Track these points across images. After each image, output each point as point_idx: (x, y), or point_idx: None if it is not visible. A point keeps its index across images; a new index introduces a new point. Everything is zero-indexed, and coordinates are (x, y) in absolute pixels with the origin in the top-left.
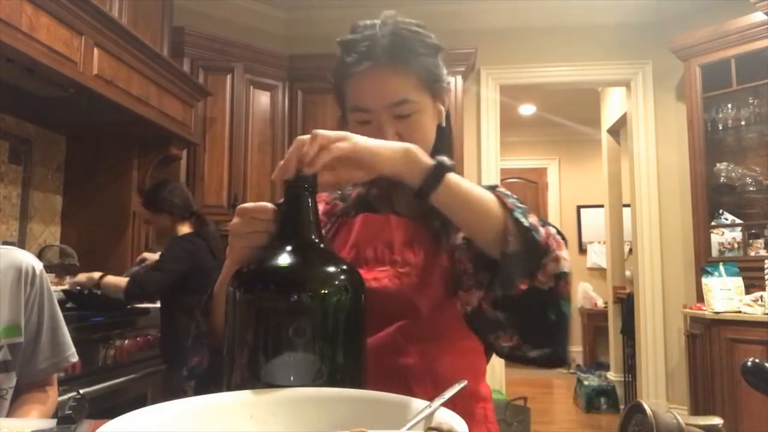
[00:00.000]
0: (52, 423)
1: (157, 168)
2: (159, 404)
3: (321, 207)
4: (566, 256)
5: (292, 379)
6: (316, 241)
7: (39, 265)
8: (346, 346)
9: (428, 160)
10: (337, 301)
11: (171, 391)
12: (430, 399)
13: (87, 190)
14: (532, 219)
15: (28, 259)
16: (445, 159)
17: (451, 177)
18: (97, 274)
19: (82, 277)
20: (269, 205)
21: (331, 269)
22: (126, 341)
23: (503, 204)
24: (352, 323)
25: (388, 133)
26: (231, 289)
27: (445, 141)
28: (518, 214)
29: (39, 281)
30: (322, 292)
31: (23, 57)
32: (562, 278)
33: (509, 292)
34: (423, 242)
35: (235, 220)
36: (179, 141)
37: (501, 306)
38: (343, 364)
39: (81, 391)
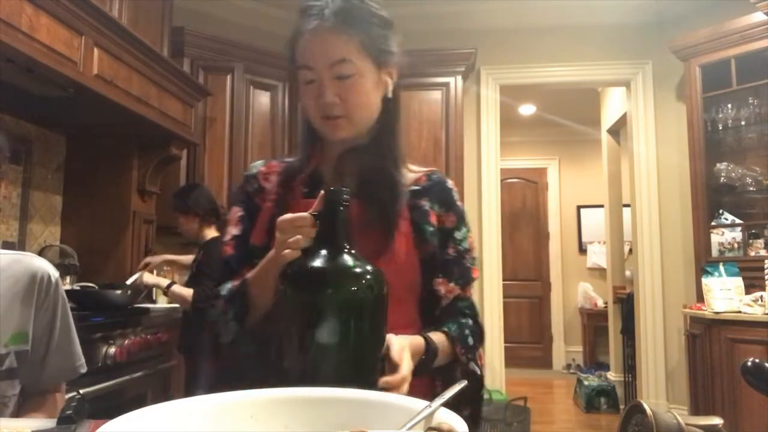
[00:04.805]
0: (52, 423)
1: (157, 168)
2: (159, 404)
3: (274, 179)
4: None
5: (328, 361)
6: (347, 246)
7: (55, 274)
8: (370, 332)
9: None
10: (364, 296)
11: (190, 380)
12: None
13: (87, 190)
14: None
15: (44, 267)
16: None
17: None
18: (164, 282)
19: (150, 279)
20: (306, 215)
21: (359, 270)
22: (126, 341)
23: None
24: (376, 314)
25: (329, 94)
26: (282, 287)
27: (392, 113)
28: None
29: (54, 290)
30: (352, 288)
31: (23, 57)
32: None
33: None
34: (376, 225)
35: (279, 234)
36: (179, 141)
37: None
38: (369, 347)
39: (81, 391)
